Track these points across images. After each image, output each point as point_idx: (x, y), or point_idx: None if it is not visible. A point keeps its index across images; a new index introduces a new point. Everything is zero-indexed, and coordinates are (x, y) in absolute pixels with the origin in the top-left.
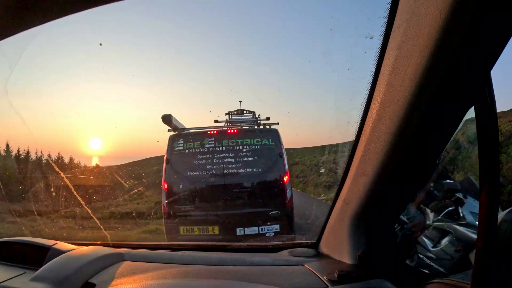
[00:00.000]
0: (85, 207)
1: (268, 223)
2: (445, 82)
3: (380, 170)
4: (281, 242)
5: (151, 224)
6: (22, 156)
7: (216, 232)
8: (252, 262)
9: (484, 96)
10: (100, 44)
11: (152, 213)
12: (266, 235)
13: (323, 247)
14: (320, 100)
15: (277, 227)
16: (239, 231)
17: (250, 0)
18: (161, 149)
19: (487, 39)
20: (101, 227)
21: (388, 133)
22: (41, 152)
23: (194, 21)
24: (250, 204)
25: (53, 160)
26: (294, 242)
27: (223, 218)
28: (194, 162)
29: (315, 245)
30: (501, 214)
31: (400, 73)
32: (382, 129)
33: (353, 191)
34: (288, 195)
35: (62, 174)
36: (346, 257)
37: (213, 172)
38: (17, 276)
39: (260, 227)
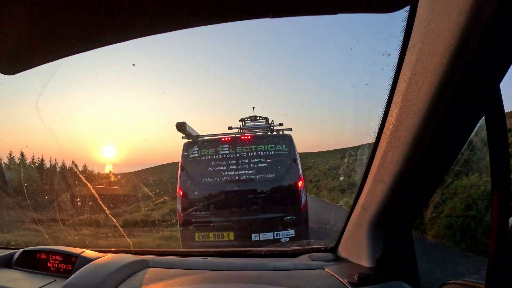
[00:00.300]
0: (110, 216)
1: (283, 229)
2: (458, 96)
3: (397, 177)
4: (300, 247)
5: (165, 230)
6: (47, 167)
7: (232, 238)
8: (274, 266)
9: (494, 106)
10: (133, 65)
11: (167, 220)
12: (281, 240)
13: (342, 251)
14: (338, 111)
15: (292, 232)
16: (254, 237)
17: (275, 23)
18: (176, 155)
19: (495, 57)
20: (124, 234)
21: (404, 143)
22: (66, 163)
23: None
24: (265, 210)
25: (78, 169)
26: (312, 247)
27: (238, 224)
28: (209, 169)
29: (333, 250)
30: None
31: (416, 89)
32: (399, 139)
33: (371, 197)
34: (303, 200)
35: (89, 185)
36: (364, 261)
37: (228, 178)
38: (48, 284)
39: (275, 233)
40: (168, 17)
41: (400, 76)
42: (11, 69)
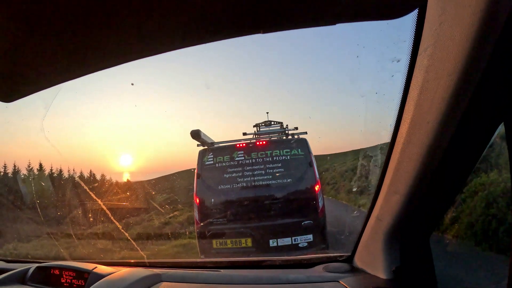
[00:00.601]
0: (122, 230)
1: (301, 234)
2: (474, 102)
3: (411, 188)
4: (315, 256)
5: (183, 237)
6: (59, 180)
7: (249, 244)
8: (287, 279)
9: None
10: (132, 84)
11: (184, 227)
12: (299, 245)
13: (358, 261)
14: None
15: (310, 237)
16: (272, 243)
17: (277, 37)
18: (192, 162)
19: None
20: (138, 248)
21: (418, 153)
22: (75, 175)
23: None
24: (282, 215)
25: (87, 180)
26: (328, 256)
27: (256, 230)
28: (225, 175)
29: (349, 259)
30: None
31: (429, 96)
32: (413, 149)
33: (386, 208)
34: (320, 204)
35: (99, 202)
36: (380, 272)
37: (244, 184)
38: None
39: (293, 238)
40: (167, 37)
41: (412, 83)
42: (8, 97)
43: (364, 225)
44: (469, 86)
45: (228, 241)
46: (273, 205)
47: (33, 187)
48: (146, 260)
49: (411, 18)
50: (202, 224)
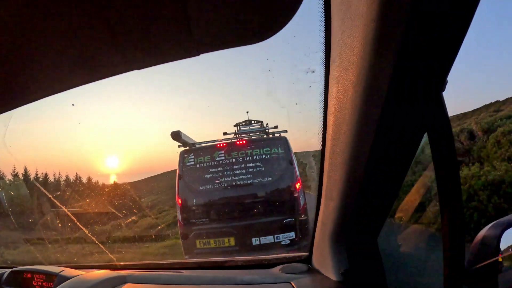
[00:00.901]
0: (89, 234)
1: (283, 231)
2: (387, 113)
3: (344, 195)
4: (276, 257)
5: (169, 239)
6: (32, 185)
7: (232, 243)
8: (242, 280)
9: (435, 121)
10: (73, 105)
11: (171, 228)
12: (282, 243)
13: (315, 262)
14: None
15: (292, 234)
16: (254, 241)
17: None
18: (173, 163)
19: (424, 67)
20: (107, 251)
21: (342, 162)
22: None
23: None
24: (264, 213)
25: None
26: (288, 256)
27: (238, 229)
28: (206, 176)
29: (308, 260)
30: (483, 230)
31: (342, 107)
32: (337, 158)
33: (326, 213)
34: (301, 202)
35: (65, 209)
36: (331, 274)
37: (225, 184)
38: None
39: (276, 236)
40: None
41: (328, 94)
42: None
43: (314, 227)
44: (375, 97)
45: (212, 240)
46: (255, 204)
47: (9, 194)
48: (115, 263)
49: (318, 26)
50: (185, 224)
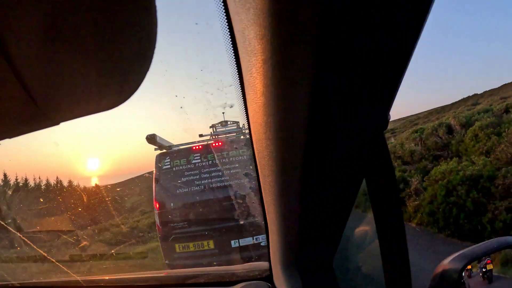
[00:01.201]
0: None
1: (262, 232)
2: (307, 162)
3: (283, 229)
4: (238, 272)
5: (151, 241)
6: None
7: (212, 246)
8: None
9: (374, 164)
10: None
11: (152, 230)
12: (261, 244)
13: (276, 281)
14: None
15: None
16: (234, 243)
17: None
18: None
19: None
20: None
21: (274, 204)
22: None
23: None
24: (242, 215)
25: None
26: (249, 274)
27: (217, 231)
28: (182, 179)
29: (270, 278)
30: (445, 260)
31: (260, 149)
32: (270, 198)
33: (273, 242)
34: None
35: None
36: None
37: (202, 187)
38: None
39: (255, 237)
40: None
41: (251, 131)
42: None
43: (268, 250)
44: (295, 141)
45: (191, 244)
46: (232, 205)
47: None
48: (80, 278)
49: (227, 60)
50: (163, 229)
